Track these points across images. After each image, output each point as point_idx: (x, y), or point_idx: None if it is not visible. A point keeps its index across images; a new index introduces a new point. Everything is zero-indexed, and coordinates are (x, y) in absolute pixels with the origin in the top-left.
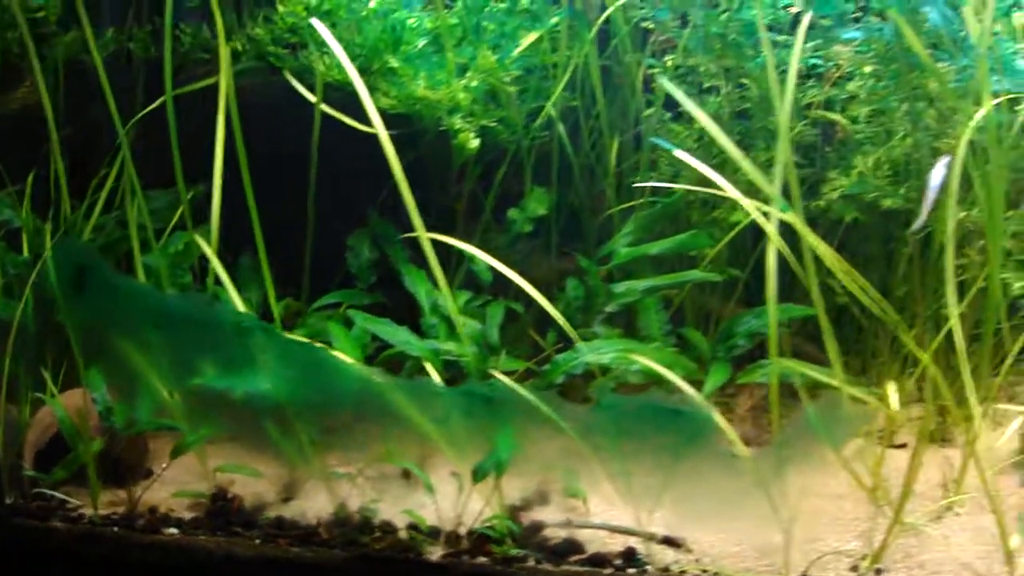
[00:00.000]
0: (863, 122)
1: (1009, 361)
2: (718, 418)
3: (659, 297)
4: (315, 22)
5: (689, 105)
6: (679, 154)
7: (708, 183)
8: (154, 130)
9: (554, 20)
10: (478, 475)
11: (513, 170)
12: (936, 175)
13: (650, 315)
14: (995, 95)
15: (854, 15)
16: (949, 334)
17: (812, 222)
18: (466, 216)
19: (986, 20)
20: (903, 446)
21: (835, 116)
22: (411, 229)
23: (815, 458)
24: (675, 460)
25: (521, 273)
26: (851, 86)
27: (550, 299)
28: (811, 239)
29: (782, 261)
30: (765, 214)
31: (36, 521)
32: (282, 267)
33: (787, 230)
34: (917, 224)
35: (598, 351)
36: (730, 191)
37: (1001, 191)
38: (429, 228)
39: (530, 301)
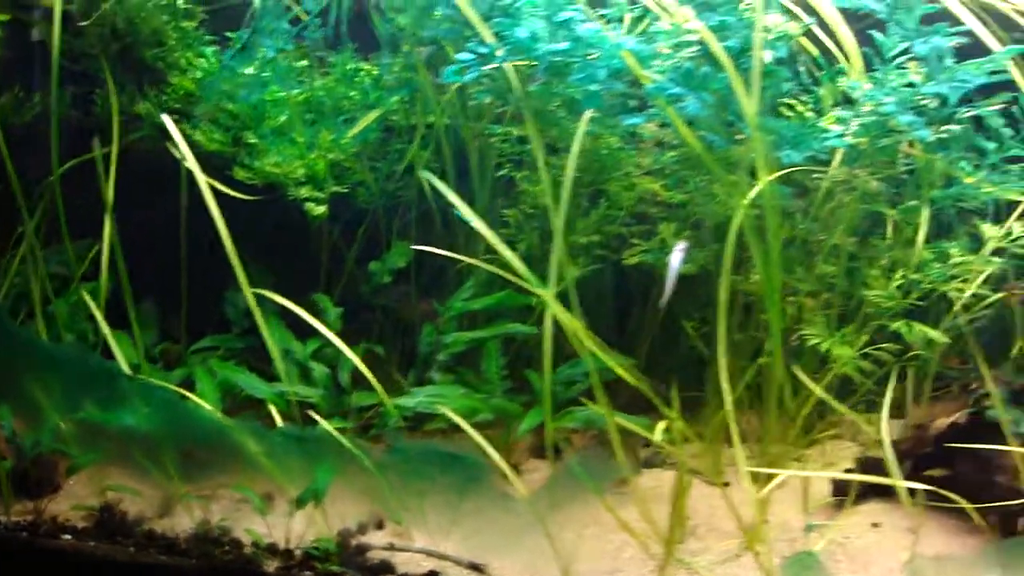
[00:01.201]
0: (672, 191)
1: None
2: (501, 462)
3: (499, 343)
4: (165, 118)
5: (452, 197)
6: (476, 224)
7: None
8: (78, 184)
9: (394, 99)
10: (299, 503)
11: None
12: (675, 259)
13: (490, 360)
14: (784, 167)
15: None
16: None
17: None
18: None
19: (753, 100)
20: (727, 484)
21: (651, 184)
22: (282, 280)
23: (583, 500)
24: (460, 498)
25: (388, 317)
26: (645, 161)
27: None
28: (560, 314)
29: None
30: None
31: None
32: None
33: None
34: (662, 301)
35: (410, 397)
36: (513, 263)
37: (777, 259)
38: (297, 280)
39: (400, 341)
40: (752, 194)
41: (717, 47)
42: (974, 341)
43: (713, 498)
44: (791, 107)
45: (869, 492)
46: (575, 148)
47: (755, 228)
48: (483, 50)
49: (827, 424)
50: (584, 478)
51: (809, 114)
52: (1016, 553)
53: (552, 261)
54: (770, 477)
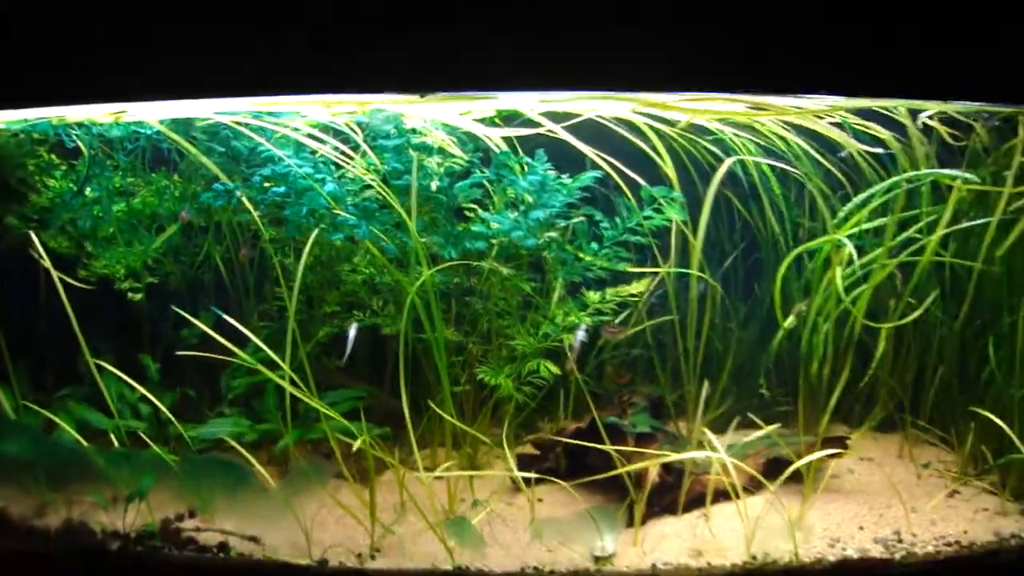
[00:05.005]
0: (382, 277)
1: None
2: (259, 468)
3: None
4: (36, 231)
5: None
6: (223, 315)
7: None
8: None
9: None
10: (128, 500)
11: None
12: (351, 332)
13: (267, 398)
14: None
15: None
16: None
17: None
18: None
19: (414, 219)
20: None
21: (366, 271)
22: (121, 343)
23: (317, 489)
24: (234, 491)
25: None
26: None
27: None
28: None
29: None
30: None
31: None
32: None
33: None
34: (344, 359)
35: (201, 427)
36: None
37: (440, 323)
38: (131, 344)
39: (209, 385)
40: (419, 282)
41: (385, 190)
42: (631, 365)
43: (433, 487)
44: (472, 210)
45: (543, 478)
46: (304, 255)
47: (424, 302)
48: (227, 186)
49: (535, 429)
50: (309, 472)
51: (486, 214)
52: (599, 511)
53: (287, 335)
54: (474, 469)
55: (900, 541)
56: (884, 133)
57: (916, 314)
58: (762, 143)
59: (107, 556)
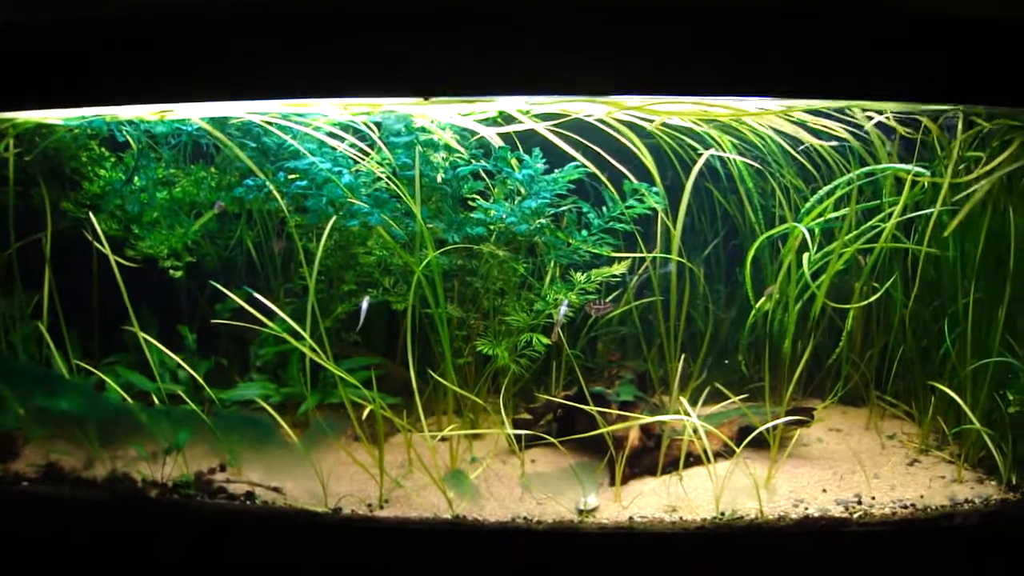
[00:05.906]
0: (392, 258)
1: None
2: (283, 424)
3: (300, 355)
4: (91, 215)
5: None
6: (256, 295)
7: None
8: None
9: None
10: (167, 452)
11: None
12: (363, 304)
13: (292, 366)
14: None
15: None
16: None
17: None
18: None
19: (418, 206)
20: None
21: (379, 253)
22: (163, 316)
23: (332, 443)
24: (261, 445)
25: (232, 338)
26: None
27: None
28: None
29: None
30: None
31: None
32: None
33: None
34: (358, 328)
35: (232, 391)
36: (277, 311)
37: (443, 299)
38: (172, 316)
39: (240, 354)
40: (424, 263)
41: (393, 182)
42: (622, 343)
43: (437, 448)
44: (474, 200)
45: (535, 440)
46: (324, 239)
47: (430, 281)
48: (258, 181)
49: (535, 398)
50: (325, 429)
51: (484, 203)
52: (583, 468)
53: (309, 309)
54: (474, 435)
55: (859, 503)
56: (840, 131)
57: (875, 297)
58: (742, 140)
59: (146, 503)
